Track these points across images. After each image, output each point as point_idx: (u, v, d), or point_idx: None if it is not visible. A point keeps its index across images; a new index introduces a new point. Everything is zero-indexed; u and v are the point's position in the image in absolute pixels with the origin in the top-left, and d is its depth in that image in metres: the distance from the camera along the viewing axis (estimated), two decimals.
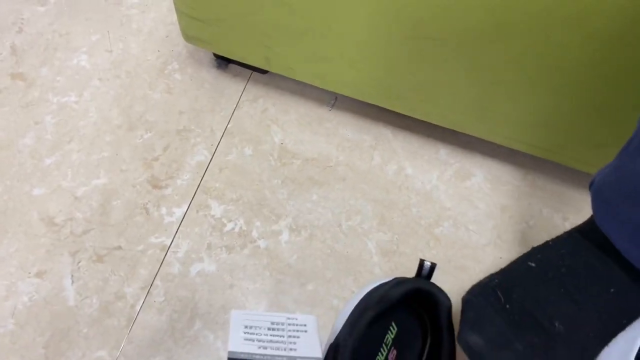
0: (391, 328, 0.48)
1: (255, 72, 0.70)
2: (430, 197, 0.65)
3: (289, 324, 0.50)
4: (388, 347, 0.48)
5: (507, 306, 0.52)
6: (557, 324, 0.50)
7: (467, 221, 0.64)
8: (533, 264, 0.53)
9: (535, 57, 0.49)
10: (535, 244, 0.55)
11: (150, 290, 0.56)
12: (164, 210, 0.61)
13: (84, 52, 0.71)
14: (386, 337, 0.48)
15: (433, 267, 0.45)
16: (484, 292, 0.54)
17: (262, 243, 0.60)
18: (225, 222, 0.60)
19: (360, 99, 0.64)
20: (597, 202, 0.45)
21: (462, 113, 0.59)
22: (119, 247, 0.58)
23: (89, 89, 0.68)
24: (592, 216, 0.49)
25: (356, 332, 0.44)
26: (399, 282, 0.46)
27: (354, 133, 0.68)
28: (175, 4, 0.60)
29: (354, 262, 0.60)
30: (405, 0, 0.48)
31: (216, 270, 0.58)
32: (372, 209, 0.63)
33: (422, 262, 0.45)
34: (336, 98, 0.70)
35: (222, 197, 0.62)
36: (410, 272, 0.60)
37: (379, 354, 0.47)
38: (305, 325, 0.51)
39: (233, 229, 0.60)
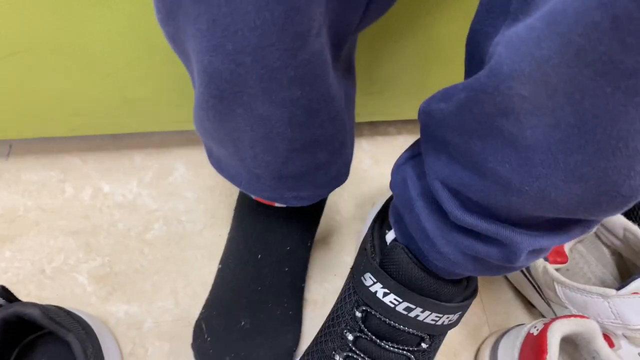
0: None
1: None
2: (134, 207, 0.62)
3: None
4: None
5: (208, 338, 0.52)
6: (242, 322, 0.52)
7: (179, 214, 0.62)
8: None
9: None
10: None
11: None
12: None
13: None
14: None
15: (2, 289, 0.42)
16: (195, 332, 0.54)
17: None
18: None
19: (26, 136, 0.60)
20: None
21: (115, 116, 0.58)
22: None
23: None
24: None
25: None
26: None
27: (38, 174, 0.63)
28: None
29: (68, 301, 0.56)
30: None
31: None
32: (75, 241, 0.59)
33: None
34: (10, 145, 0.65)
35: None
36: (132, 287, 0.57)
37: None
38: None
39: None
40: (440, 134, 0.32)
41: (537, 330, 0.48)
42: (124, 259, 0.59)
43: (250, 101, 0.30)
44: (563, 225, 0.31)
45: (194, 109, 0.34)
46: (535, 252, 0.33)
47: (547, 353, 0.45)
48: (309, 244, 0.55)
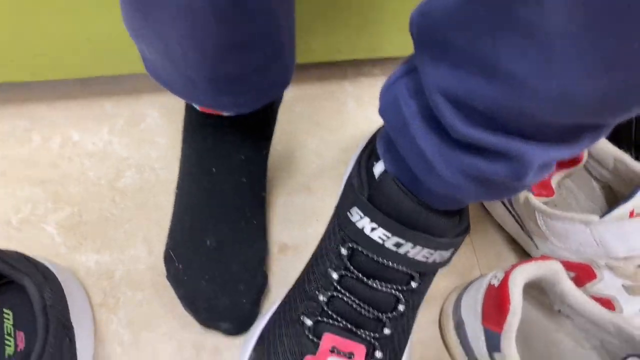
0: (5, 315, 0.42)
1: None
2: (105, 155, 0.59)
3: None
4: (13, 335, 0.42)
5: (180, 266, 0.50)
6: (208, 242, 0.49)
7: (152, 161, 0.59)
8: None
9: None
10: None
11: None
12: None
13: None
14: (5, 327, 0.42)
15: None
16: (167, 263, 0.51)
17: None
18: None
19: None
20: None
21: (80, 57, 0.54)
22: None
23: None
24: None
25: None
26: None
27: (4, 123, 0.60)
28: None
29: (37, 253, 0.53)
30: None
31: None
32: (43, 191, 0.57)
33: None
34: None
35: None
36: (103, 236, 0.55)
37: (6, 347, 0.41)
38: None
39: None
40: (440, 37, 0.28)
41: (498, 280, 0.44)
42: (95, 207, 0.56)
43: None
44: (574, 133, 0.28)
45: (121, 4, 0.32)
46: (544, 167, 0.30)
47: (509, 303, 0.41)
48: (265, 153, 0.53)
